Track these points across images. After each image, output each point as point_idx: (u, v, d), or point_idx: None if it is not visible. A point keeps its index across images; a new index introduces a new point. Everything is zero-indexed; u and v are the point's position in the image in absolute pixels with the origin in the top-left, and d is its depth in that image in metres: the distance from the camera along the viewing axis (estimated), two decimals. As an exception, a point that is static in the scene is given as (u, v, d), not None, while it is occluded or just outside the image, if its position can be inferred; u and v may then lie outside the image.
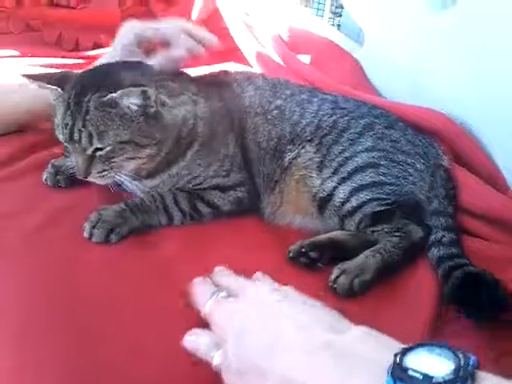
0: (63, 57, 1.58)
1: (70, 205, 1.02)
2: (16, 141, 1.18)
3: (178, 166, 1.01)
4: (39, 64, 1.49)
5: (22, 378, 0.69)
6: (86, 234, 0.92)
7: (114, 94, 0.90)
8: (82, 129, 0.91)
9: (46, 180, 1.06)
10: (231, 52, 1.70)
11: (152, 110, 0.94)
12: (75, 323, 0.76)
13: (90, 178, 0.95)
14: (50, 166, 1.06)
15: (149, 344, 0.74)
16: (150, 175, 1.01)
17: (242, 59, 1.63)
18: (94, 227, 0.92)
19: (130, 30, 1.13)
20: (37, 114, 1.18)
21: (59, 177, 1.05)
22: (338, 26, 2.03)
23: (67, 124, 0.93)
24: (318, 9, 2.14)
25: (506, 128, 1.12)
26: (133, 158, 0.95)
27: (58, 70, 1.05)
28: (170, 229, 0.99)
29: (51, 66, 1.44)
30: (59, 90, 0.96)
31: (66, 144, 0.96)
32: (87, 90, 0.93)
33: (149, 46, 1.15)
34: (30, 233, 0.93)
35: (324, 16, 2.09)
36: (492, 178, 1.11)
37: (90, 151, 0.93)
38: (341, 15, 2.04)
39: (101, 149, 0.93)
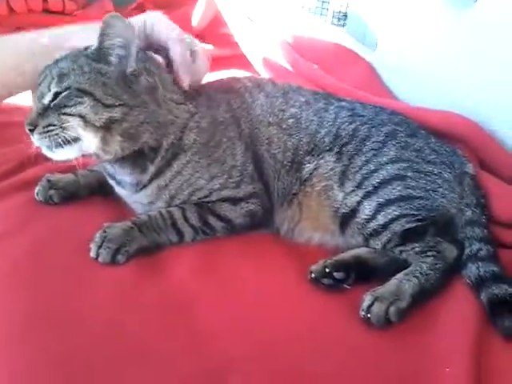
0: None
1: (67, 224, 0.94)
2: (8, 155, 1.09)
3: (165, 176, 0.93)
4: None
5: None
6: (92, 255, 0.85)
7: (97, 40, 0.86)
8: (48, 72, 0.87)
9: (37, 194, 0.97)
10: (234, 58, 1.64)
11: (130, 70, 0.87)
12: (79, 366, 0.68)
13: (35, 135, 0.84)
14: (44, 179, 0.99)
15: None
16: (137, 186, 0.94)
17: (246, 65, 1.56)
18: (99, 247, 0.84)
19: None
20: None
21: (52, 191, 0.97)
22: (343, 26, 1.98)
23: (41, 74, 0.89)
24: (322, 14, 2.09)
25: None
26: (87, 123, 0.84)
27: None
28: (180, 248, 0.91)
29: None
30: None
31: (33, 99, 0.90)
32: None
33: None
34: (24, 256, 0.84)
35: (328, 18, 2.03)
36: None
37: (47, 99, 0.85)
38: (346, 17, 1.99)
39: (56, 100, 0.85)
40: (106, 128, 0.85)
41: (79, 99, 0.84)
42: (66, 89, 0.84)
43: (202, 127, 0.95)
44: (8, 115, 1.23)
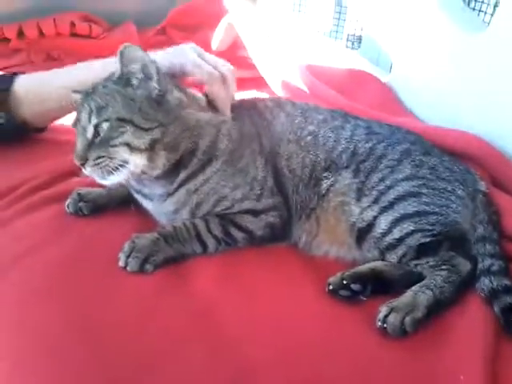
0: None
1: (96, 234, 0.98)
2: (40, 170, 1.15)
3: (196, 180, 0.97)
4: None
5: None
6: (121, 264, 0.89)
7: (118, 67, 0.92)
8: (86, 105, 0.92)
9: (67, 206, 1.03)
10: (252, 80, 1.69)
11: (155, 92, 0.92)
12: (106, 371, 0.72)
13: (86, 168, 0.90)
14: (74, 193, 1.04)
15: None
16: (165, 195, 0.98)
17: (263, 87, 1.61)
18: (128, 256, 0.89)
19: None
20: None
21: (82, 204, 1.02)
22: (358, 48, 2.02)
23: (78, 107, 0.94)
24: (336, 37, 2.13)
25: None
26: (132, 149, 0.90)
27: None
28: (203, 259, 0.95)
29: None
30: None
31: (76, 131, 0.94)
32: None
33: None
34: (56, 266, 0.89)
35: (342, 41, 2.08)
36: None
37: (89, 132, 0.90)
38: (360, 40, 2.04)
39: (99, 133, 0.89)
40: (151, 148, 0.91)
41: (121, 129, 0.89)
42: (105, 120, 0.89)
43: (233, 136, 1.01)
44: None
